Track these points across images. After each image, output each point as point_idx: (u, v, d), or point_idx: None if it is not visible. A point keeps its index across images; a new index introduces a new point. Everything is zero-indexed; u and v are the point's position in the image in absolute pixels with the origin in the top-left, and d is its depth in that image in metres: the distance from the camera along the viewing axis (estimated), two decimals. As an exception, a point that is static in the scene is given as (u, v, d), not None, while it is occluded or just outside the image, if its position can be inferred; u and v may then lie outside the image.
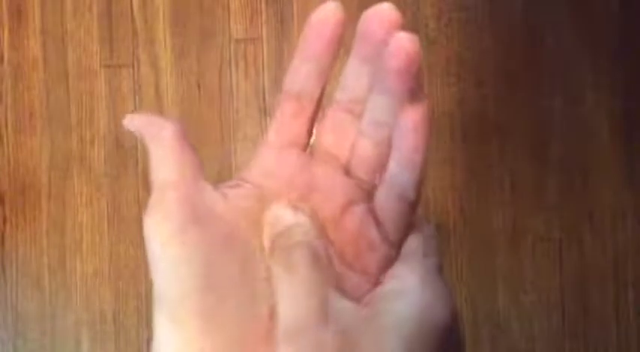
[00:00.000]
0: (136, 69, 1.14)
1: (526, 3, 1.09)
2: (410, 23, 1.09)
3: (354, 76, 0.25)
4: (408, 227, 0.24)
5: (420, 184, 0.23)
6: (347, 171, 0.26)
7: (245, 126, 1.12)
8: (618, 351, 1.06)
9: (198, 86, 1.13)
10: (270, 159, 0.26)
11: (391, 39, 0.22)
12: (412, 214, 0.24)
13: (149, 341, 1.11)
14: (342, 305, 0.22)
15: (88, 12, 1.15)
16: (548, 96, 1.08)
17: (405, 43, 0.22)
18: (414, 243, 0.24)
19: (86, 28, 1.15)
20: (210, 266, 0.22)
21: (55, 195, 1.13)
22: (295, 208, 0.24)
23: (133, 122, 0.25)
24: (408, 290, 0.22)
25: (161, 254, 0.22)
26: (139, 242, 1.11)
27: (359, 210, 0.24)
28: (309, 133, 0.26)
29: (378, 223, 0.24)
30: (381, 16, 0.24)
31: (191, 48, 1.13)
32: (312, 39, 0.25)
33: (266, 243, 0.23)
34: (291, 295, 0.22)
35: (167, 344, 0.22)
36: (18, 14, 1.16)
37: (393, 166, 0.24)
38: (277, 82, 1.12)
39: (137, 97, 1.13)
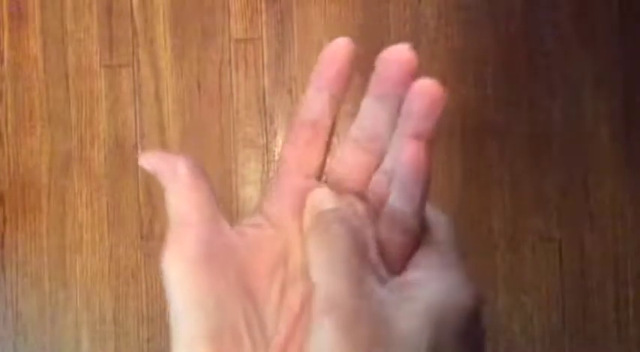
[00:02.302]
0: (136, 69, 1.14)
1: (526, 3, 1.09)
2: (410, 23, 1.10)
3: (370, 114, 0.26)
4: (407, 260, 0.24)
5: (422, 215, 0.24)
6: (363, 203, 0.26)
7: (245, 127, 1.12)
8: (618, 351, 1.06)
9: (198, 86, 1.13)
10: (289, 197, 0.26)
11: (413, 83, 0.23)
12: (416, 245, 0.24)
13: (149, 341, 1.11)
14: (376, 288, 0.22)
15: (88, 12, 1.15)
16: (548, 97, 1.08)
17: (427, 89, 0.22)
18: (433, 234, 0.24)
19: (86, 28, 1.15)
20: (223, 310, 0.22)
21: (55, 195, 1.13)
22: (340, 195, 0.24)
23: (148, 159, 0.25)
24: (432, 279, 0.22)
25: (176, 294, 0.23)
26: (139, 242, 1.11)
27: (365, 236, 0.24)
28: (324, 162, 0.26)
29: (384, 258, 0.24)
30: (398, 57, 0.24)
31: (191, 48, 1.13)
32: (326, 69, 0.26)
33: (306, 222, 0.23)
34: (330, 271, 0.22)
35: None
36: (18, 14, 1.16)
37: (394, 199, 0.24)
38: (277, 82, 1.12)
39: (137, 97, 1.13)
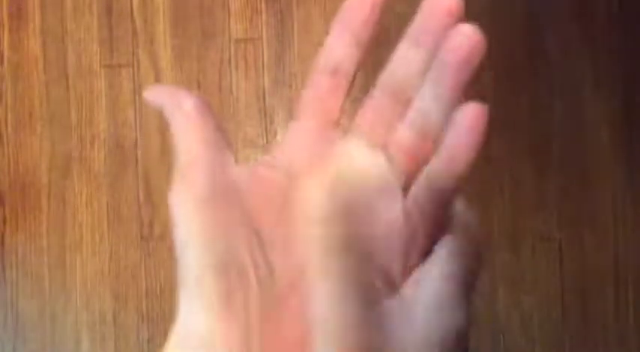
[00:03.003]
0: (136, 69, 1.14)
1: (526, 3, 1.09)
2: (412, 19, 1.09)
3: (403, 61, 0.25)
4: (441, 224, 0.23)
5: (459, 184, 0.22)
6: (386, 154, 0.24)
7: (245, 126, 1.12)
8: (618, 351, 1.06)
9: (199, 86, 1.13)
10: (304, 136, 0.25)
11: (453, 30, 0.22)
12: (446, 211, 0.23)
13: (149, 341, 1.11)
14: (380, 305, 0.21)
15: (88, 12, 1.15)
16: (548, 96, 1.08)
17: (467, 35, 0.21)
18: (442, 249, 0.23)
19: (86, 28, 1.15)
20: (229, 246, 0.22)
21: (55, 195, 1.13)
22: (374, 148, 0.23)
23: (154, 94, 0.24)
24: (427, 299, 0.22)
25: (183, 228, 0.22)
26: (139, 242, 1.11)
27: (392, 204, 0.23)
28: (342, 111, 0.25)
29: (409, 220, 0.23)
30: (442, 4, 0.23)
31: (191, 48, 1.13)
32: (352, 13, 0.25)
33: (322, 182, 0.22)
34: (335, 304, 0.21)
35: (192, 331, 0.22)
36: (18, 14, 1.16)
37: (436, 162, 0.22)
38: (277, 82, 1.12)
39: (137, 97, 1.13)
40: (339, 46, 0.25)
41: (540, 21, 1.09)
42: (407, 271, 0.23)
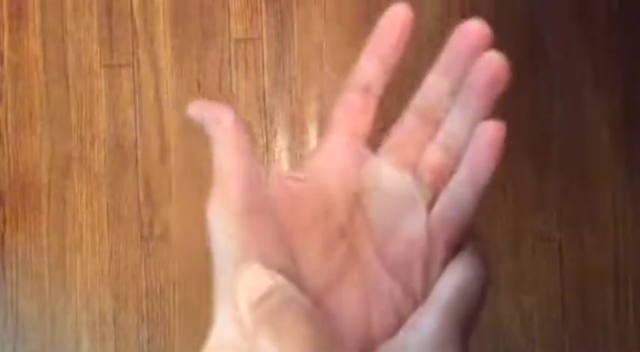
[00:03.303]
0: (136, 69, 1.14)
1: (526, 3, 1.09)
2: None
3: (434, 85, 0.26)
4: (458, 247, 0.24)
5: (479, 201, 0.23)
6: (414, 174, 0.25)
7: (245, 126, 1.12)
8: (618, 351, 1.06)
9: (198, 86, 1.13)
10: (334, 151, 0.26)
11: (480, 56, 0.23)
12: (464, 231, 0.24)
13: (149, 341, 1.11)
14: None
15: (88, 12, 1.15)
16: (548, 96, 1.08)
17: (493, 61, 0.23)
18: (446, 288, 0.23)
19: (86, 28, 1.15)
20: (263, 255, 0.22)
21: (55, 195, 1.13)
22: (268, 271, 0.23)
23: (196, 108, 0.25)
24: (421, 339, 0.22)
25: (220, 239, 0.23)
26: (139, 242, 1.11)
27: (416, 221, 0.24)
28: (370, 128, 0.26)
29: (431, 238, 0.24)
30: (474, 30, 0.25)
31: (191, 48, 1.13)
32: (382, 39, 0.26)
33: (245, 318, 0.22)
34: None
35: (227, 341, 0.22)
36: (18, 14, 1.16)
37: (458, 176, 0.23)
38: (277, 82, 1.12)
39: (137, 97, 1.13)
40: (370, 68, 0.26)
41: (540, 21, 1.09)
42: (428, 285, 0.23)
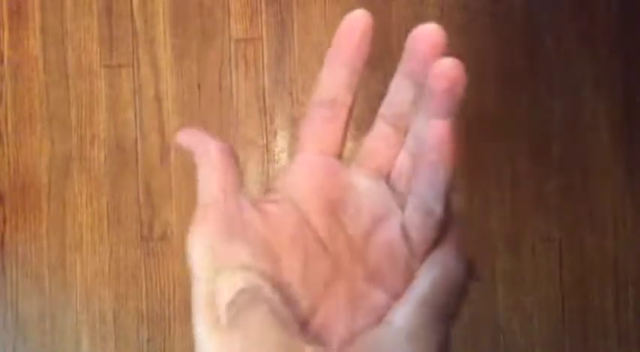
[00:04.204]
0: (136, 69, 1.14)
1: (526, 3, 1.10)
2: (412, 23, 1.09)
3: (398, 92, 0.26)
4: (434, 244, 0.24)
5: (445, 199, 0.23)
6: (387, 183, 0.26)
7: (245, 127, 1.12)
8: (618, 351, 1.06)
9: (198, 86, 1.13)
10: (305, 168, 0.26)
11: (435, 63, 0.22)
12: (439, 230, 0.24)
13: (149, 341, 1.11)
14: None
15: (88, 12, 1.15)
16: (548, 96, 1.08)
17: (447, 68, 0.22)
18: (421, 282, 0.23)
19: (86, 28, 1.15)
20: (245, 268, 0.23)
21: (55, 195, 1.13)
22: (244, 274, 0.23)
23: (185, 138, 0.26)
24: (400, 326, 0.22)
25: (199, 266, 0.23)
26: (139, 242, 1.11)
27: (392, 227, 0.25)
28: (343, 141, 0.26)
29: (407, 239, 0.24)
30: (427, 35, 0.24)
31: (191, 48, 1.13)
32: (343, 45, 0.26)
33: (222, 319, 0.22)
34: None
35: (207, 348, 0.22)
36: (18, 14, 1.16)
37: (417, 181, 0.24)
38: (277, 82, 1.12)
39: (137, 97, 1.13)
40: (334, 76, 0.26)
41: (540, 21, 1.09)
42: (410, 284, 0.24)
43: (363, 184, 0.26)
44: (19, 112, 1.15)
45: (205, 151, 0.25)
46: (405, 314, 0.23)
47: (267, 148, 1.11)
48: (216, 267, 0.23)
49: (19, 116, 1.15)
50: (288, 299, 0.23)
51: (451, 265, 0.24)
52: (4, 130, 1.15)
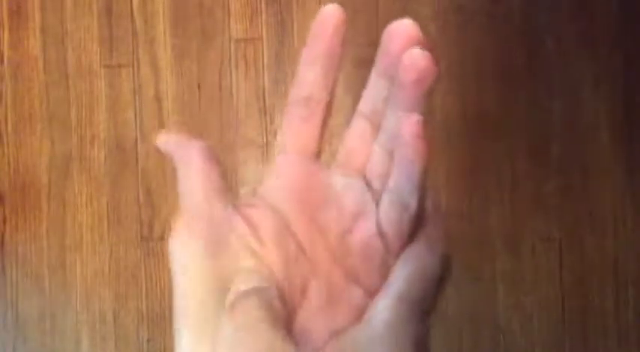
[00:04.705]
0: (136, 69, 1.14)
1: (526, 3, 1.09)
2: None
3: (374, 88, 0.26)
4: (409, 239, 0.24)
5: (420, 194, 0.23)
6: (365, 180, 0.26)
7: (245, 126, 1.12)
8: (618, 351, 1.06)
9: (198, 86, 1.13)
10: (284, 170, 0.26)
11: (404, 55, 0.22)
12: (414, 225, 0.24)
13: (149, 341, 1.11)
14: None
15: (88, 12, 1.15)
16: (548, 96, 1.08)
17: (417, 58, 0.22)
18: (396, 281, 0.23)
19: (86, 28, 1.15)
20: (225, 286, 0.23)
21: (55, 195, 1.13)
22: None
23: (164, 142, 0.26)
24: (377, 320, 0.22)
25: (180, 273, 0.23)
26: (139, 242, 1.11)
27: (368, 224, 0.24)
28: (320, 139, 0.26)
29: (383, 235, 0.24)
30: (401, 31, 0.24)
31: (191, 48, 1.13)
32: (315, 41, 0.25)
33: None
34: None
35: None
36: (18, 14, 1.16)
37: (393, 176, 0.24)
38: (277, 82, 1.12)
39: (137, 97, 1.13)
40: (309, 74, 0.26)
41: (539, 21, 1.09)
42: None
43: (340, 184, 0.25)
44: (19, 112, 1.15)
45: (186, 156, 0.25)
46: (381, 310, 0.22)
47: (267, 148, 1.11)
48: (200, 285, 0.23)
49: (19, 116, 1.15)
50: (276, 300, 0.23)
51: (426, 260, 0.23)
52: (4, 130, 1.15)
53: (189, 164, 0.25)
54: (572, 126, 1.08)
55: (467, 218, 1.08)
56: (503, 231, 1.08)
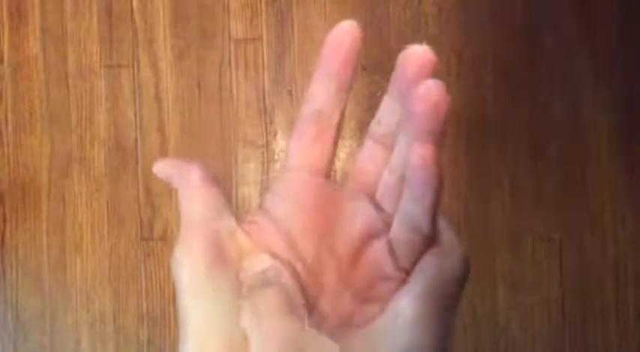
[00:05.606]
0: (135, 69, 1.14)
1: (526, 2, 1.10)
2: (410, 22, 1.10)
3: (388, 111, 0.26)
4: (420, 257, 0.24)
5: (433, 217, 0.23)
6: (374, 202, 0.26)
7: (245, 127, 1.12)
8: (618, 351, 1.06)
9: (198, 86, 1.13)
10: (294, 189, 0.26)
11: (419, 84, 0.22)
12: (427, 245, 0.24)
13: (149, 341, 1.11)
14: (319, 346, 0.22)
15: (88, 12, 1.15)
16: (547, 96, 1.08)
17: (432, 91, 0.22)
18: (421, 275, 0.23)
19: (86, 28, 1.15)
20: (230, 309, 0.23)
21: (55, 195, 1.13)
22: (271, 255, 0.24)
23: (162, 169, 0.26)
24: (394, 332, 0.22)
25: (185, 292, 0.23)
26: (139, 242, 1.11)
27: (378, 245, 0.24)
28: (331, 157, 0.26)
29: (393, 254, 0.24)
30: (416, 57, 0.24)
31: (191, 48, 1.13)
32: (329, 57, 0.25)
33: (243, 289, 0.23)
34: (262, 347, 0.23)
35: None
36: (18, 14, 1.16)
37: (405, 199, 0.24)
38: (277, 82, 1.12)
39: (137, 97, 1.13)
40: (321, 91, 0.25)
41: (540, 21, 1.09)
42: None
43: (351, 205, 0.25)
44: (19, 112, 1.15)
45: (185, 178, 0.25)
46: (404, 306, 0.23)
47: (267, 148, 1.11)
48: (203, 301, 0.23)
49: (19, 116, 1.15)
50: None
51: (444, 263, 0.24)
52: (4, 130, 1.15)
53: (188, 185, 0.25)
54: (572, 125, 1.08)
55: (467, 218, 1.08)
56: (504, 231, 1.08)
